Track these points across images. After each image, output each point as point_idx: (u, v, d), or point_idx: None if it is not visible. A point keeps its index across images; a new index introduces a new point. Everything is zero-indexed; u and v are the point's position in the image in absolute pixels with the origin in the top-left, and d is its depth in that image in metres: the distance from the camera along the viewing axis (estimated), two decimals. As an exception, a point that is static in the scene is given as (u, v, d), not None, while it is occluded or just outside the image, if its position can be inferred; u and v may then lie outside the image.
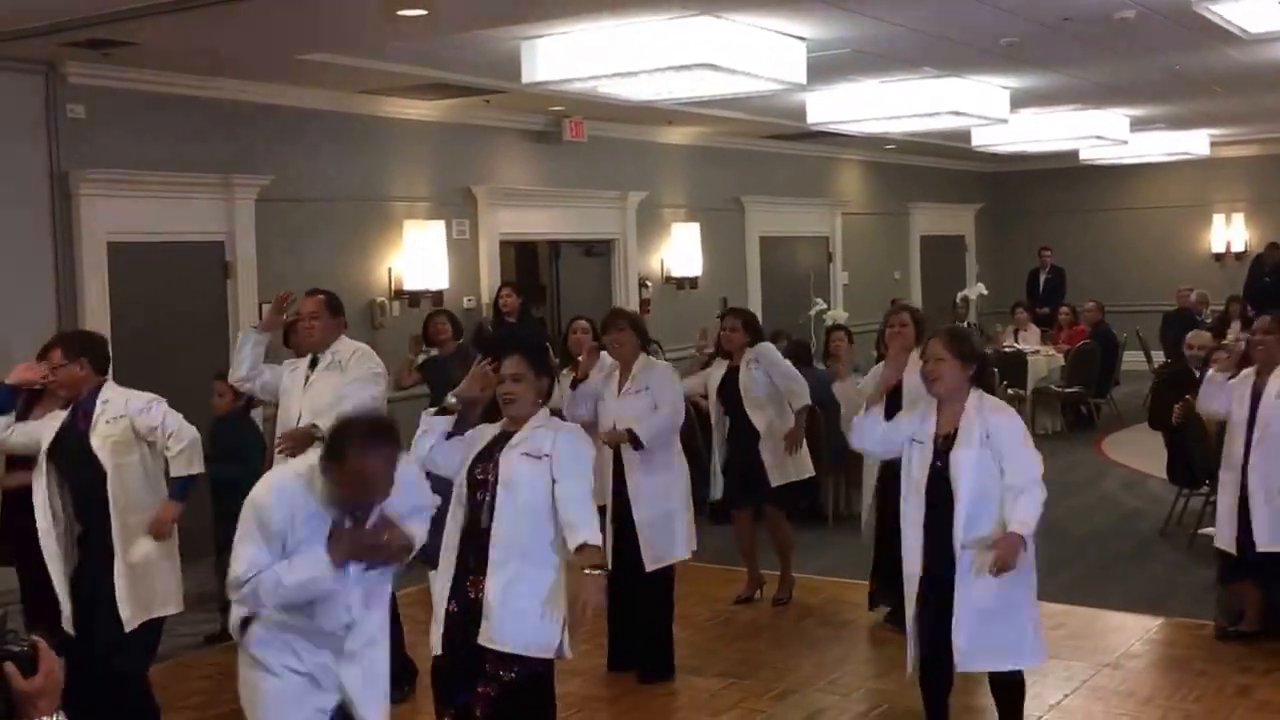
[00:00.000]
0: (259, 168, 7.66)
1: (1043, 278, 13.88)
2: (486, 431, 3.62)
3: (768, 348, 6.07)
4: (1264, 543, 5.15)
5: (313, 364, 4.93)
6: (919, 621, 4.00)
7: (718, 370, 6.06)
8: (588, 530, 3.36)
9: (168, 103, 7.23)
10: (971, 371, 3.94)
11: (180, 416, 4.49)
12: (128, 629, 4.36)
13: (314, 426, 4.62)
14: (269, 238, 7.71)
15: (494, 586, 3.38)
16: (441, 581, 3.52)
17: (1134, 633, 5.62)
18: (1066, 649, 5.35)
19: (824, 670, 5.19)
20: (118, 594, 4.33)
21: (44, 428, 4.50)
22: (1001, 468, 3.83)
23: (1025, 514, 3.79)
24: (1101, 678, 5.04)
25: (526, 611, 3.37)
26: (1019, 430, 3.92)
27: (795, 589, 6.17)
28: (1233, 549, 5.30)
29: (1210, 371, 5.53)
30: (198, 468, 4.46)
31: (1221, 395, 5.34)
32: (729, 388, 5.95)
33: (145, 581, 4.43)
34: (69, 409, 4.48)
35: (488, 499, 3.46)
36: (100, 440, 4.38)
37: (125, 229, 6.92)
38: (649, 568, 5.04)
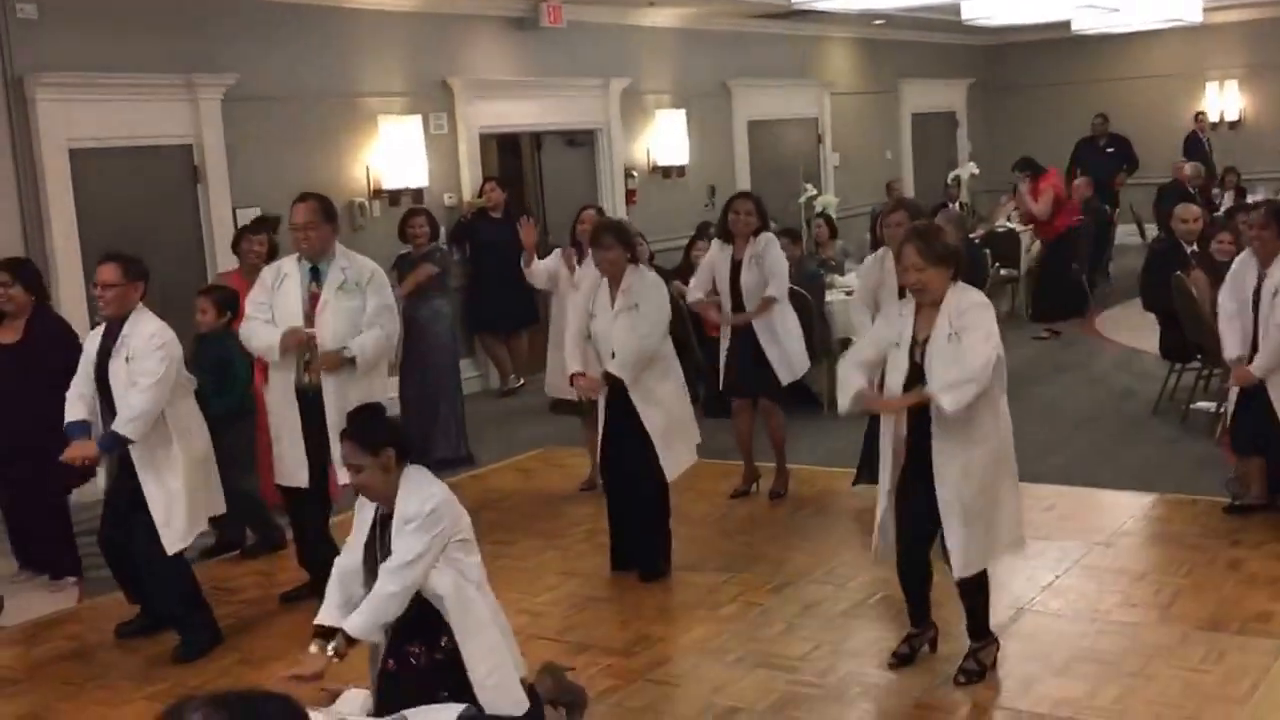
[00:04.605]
0: (224, 66, 7.37)
1: (1101, 145, 13.11)
2: (367, 512, 3.44)
3: (768, 239, 5.91)
4: None
5: (314, 274, 4.73)
6: (899, 513, 3.98)
7: (722, 258, 5.90)
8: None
9: None
10: (952, 270, 3.84)
11: (158, 378, 4.36)
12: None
13: (344, 348, 4.62)
14: (239, 139, 7.46)
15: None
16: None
17: (1127, 510, 5.63)
18: (1059, 529, 5.37)
19: (820, 561, 5.20)
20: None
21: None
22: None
23: (940, 383, 3.71)
24: (1094, 556, 5.06)
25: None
26: (980, 325, 3.80)
27: (790, 481, 6.15)
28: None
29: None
30: (132, 435, 4.36)
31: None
32: (735, 279, 5.85)
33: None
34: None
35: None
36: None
37: (87, 135, 6.68)
38: (671, 476, 5.02)
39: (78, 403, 4.50)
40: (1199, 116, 13.77)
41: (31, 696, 4.31)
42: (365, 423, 3.42)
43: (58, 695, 4.30)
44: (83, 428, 4.47)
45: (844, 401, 3.98)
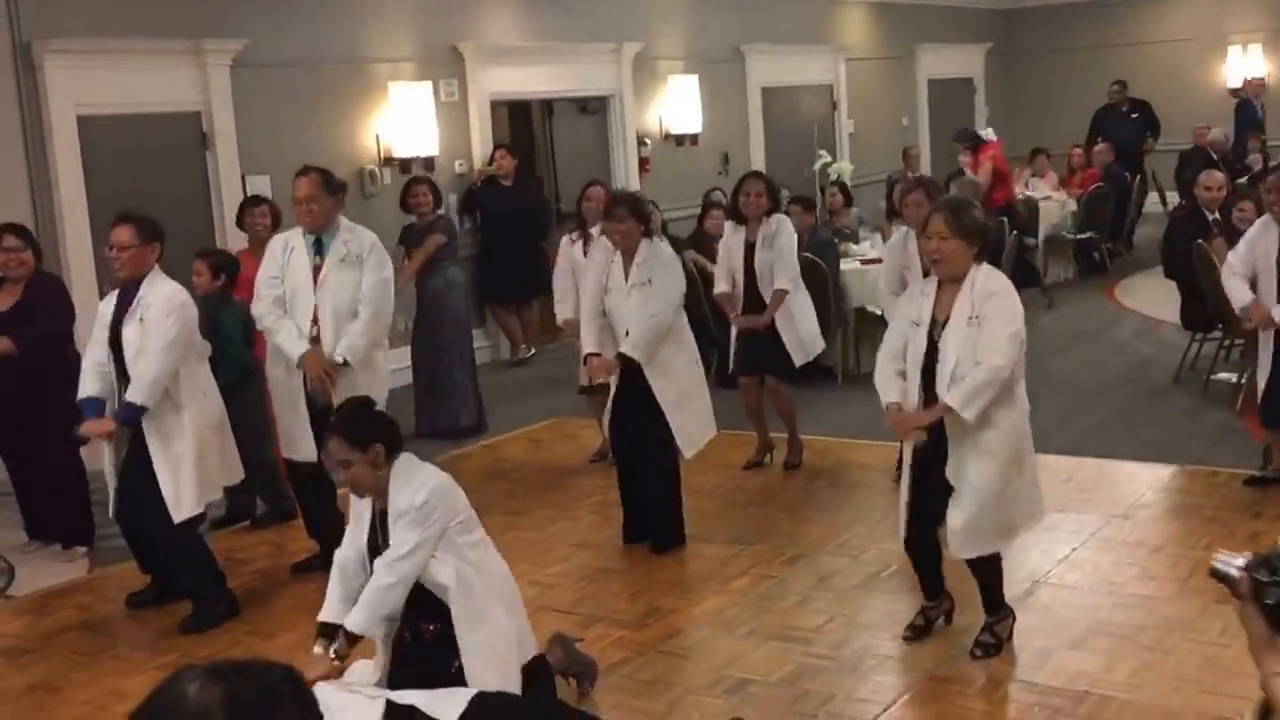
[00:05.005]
0: (232, 31, 7.29)
1: (1124, 111, 12.74)
2: (364, 510, 3.40)
3: (782, 222, 5.87)
4: None
5: (316, 246, 4.71)
6: (913, 493, 3.95)
7: (736, 241, 5.88)
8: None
9: (130, -36, 6.84)
10: (977, 248, 3.77)
11: (168, 342, 4.33)
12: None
13: (332, 355, 4.63)
14: (247, 106, 7.39)
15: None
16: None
17: (1146, 482, 5.56)
18: (1076, 501, 5.30)
19: (834, 533, 5.15)
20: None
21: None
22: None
23: (958, 391, 3.68)
24: (1111, 528, 5.00)
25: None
26: (1005, 316, 3.74)
27: (805, 451, 6.10)
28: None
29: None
30: (146, 402, 4.32)
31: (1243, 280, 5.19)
32: (750, 261, 5.83)
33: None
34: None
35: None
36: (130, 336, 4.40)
37: (95, 101, 6.63)
38: (689, 453, 4.99)
39: (92, 376, 4.45)
40: (1253, 82, 13.34)
41: (42, 666, 4.32)
42: (353, 418, 3.36)
43: (69, 665, 4.31)
44: (95, 405, 4.43)
45: (882, 399, 3.97)
